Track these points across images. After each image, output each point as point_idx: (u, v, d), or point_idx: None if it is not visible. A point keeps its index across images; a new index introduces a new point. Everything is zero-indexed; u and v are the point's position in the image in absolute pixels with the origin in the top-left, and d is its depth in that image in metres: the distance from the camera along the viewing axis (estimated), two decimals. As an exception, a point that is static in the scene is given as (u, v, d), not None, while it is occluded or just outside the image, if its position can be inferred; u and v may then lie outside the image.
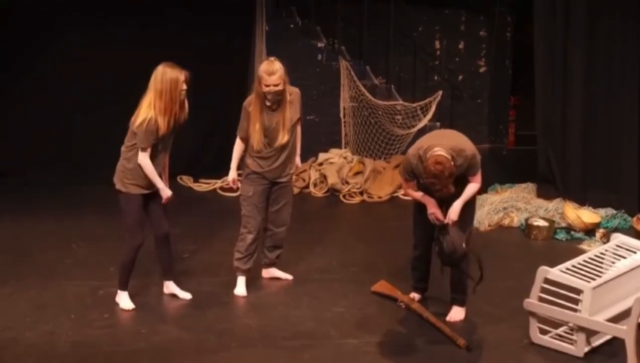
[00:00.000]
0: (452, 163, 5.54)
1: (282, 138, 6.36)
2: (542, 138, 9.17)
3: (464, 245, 5.70)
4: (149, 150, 5.96)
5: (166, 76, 5.92)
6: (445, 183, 5.51)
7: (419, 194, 5.94)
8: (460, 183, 5.80)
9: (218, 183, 9.63)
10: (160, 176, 6.11)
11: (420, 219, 6.09)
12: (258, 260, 6.77)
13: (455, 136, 5.95)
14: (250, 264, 6.60)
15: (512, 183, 9.48)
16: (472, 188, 5.88)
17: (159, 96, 5.91)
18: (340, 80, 10.48)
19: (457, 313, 6.15)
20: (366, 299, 6.53)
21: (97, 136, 9.90)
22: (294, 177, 9.57)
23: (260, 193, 6.50)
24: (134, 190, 6.05)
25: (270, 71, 6.19)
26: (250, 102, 6.37)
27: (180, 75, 5.95)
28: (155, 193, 6.14)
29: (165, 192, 6.09)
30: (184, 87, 5.97)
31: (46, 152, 9.97)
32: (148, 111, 5.91)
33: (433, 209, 5.87)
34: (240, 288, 6.58)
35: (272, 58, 6.37)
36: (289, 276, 6.91)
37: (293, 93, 6.45)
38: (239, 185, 6.60)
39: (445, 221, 5.81)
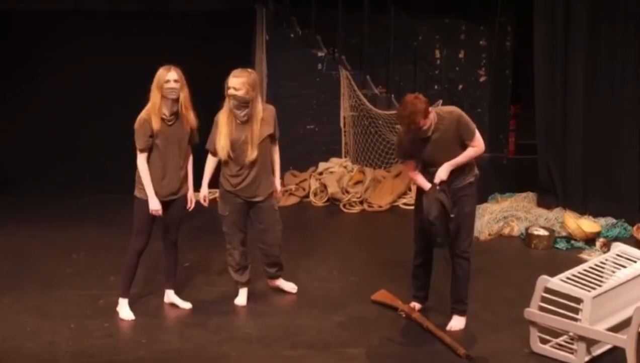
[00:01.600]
0: (427, 108, 5.61)
1: (251, 154, 6.22)
2: (543, 147, 9.16)
3: (434, 214, 5.74)
4: (145, 152, 6.00)
5: (156, 74, 5.99)
6: (411, 118, 5.57)
7: (417, 177, 5.97)
8: (459, 153, 5.85)
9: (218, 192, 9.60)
10: (173, 180, 6.12)
11: (422, 228, 6.08)
12: (256, 270, 6.77)
13: None
14: (247, 275, 6.59)
15: (513, 192, 9.47)
16: (469, 151, 5.89)
17: (151, 95, 5.99)
18: (341, 89, 10.48)
19: (457, 323, 6.15)
20: (366, 308, 6.53)
21: (96, 146, 9.92)
22: (293, 187, 9.66)
23: (237, 211, 6.42)
24: (146, 196, 6.07)
25: (236, 75, 6.14)
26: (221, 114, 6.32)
27: (166, 72, 5.97)
28: (174, 200, 6.17)
29: (153, 203, 6.06)
30: (171, 84, 5.93)
31: (46, 162, 9.98)
32: (143, 112, 5.99)
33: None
34: (242, 298, 6.58)
35: (246, 69, 6.30)
36: (294, 289, 6.85)
37: (267, 110, 6.34)
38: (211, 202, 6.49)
39: (435, 181, 5.81)
